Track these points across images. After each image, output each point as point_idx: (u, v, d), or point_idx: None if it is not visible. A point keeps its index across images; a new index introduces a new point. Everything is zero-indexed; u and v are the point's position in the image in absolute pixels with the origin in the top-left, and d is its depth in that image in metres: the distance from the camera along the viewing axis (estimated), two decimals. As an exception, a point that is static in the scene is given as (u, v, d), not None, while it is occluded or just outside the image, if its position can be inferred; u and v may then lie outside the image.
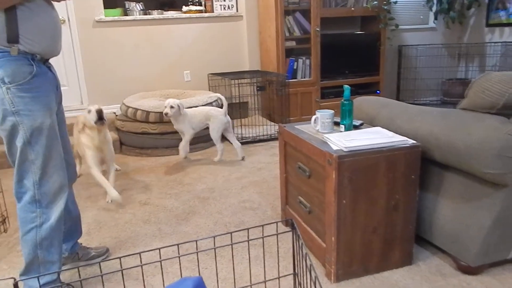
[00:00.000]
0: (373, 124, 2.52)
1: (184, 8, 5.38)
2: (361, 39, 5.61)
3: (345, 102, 2.24)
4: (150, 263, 1.36)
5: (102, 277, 1.42)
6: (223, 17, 5.45)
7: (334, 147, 2.00)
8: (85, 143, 3.09)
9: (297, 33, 5.29)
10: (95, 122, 3.00)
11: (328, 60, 5.39)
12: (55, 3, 1.89)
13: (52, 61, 1.97)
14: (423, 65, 6.39)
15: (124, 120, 4.51)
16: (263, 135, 4.76)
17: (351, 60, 5.61)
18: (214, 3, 5.40)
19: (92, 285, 2.14)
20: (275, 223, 2.68)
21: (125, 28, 5.07)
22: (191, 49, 5.41)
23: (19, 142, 1.79)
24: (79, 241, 2.37)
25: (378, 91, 5.71)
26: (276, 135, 4.81)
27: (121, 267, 1.45)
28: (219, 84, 5.27)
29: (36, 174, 1.84)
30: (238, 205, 3.06)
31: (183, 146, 3.96)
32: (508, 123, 1.87)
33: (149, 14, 5.23)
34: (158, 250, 2.44)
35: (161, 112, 3.84)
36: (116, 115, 4.78)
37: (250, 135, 4.73)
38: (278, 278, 1.88)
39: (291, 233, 2.37)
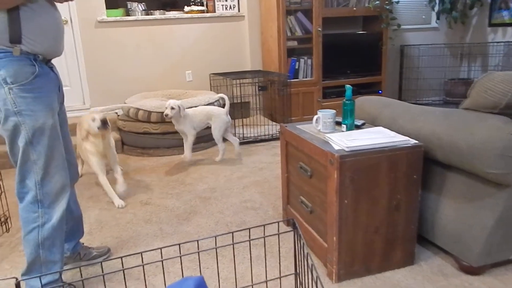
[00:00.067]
0: (375, 124, 2.52)
1: (186, 8, 5.38)
2: (363, 39, 5.61)
3: (347, 102, 2.24)
4: (151, 262, 1.37)
5: (103, 276, 1.42)
6: (225, 17, 5.45)
7: (336, 147, 2.00)
8: (89, 150, 3.14)
9: (299, 33, 5.28)
10: (99, 128, 3.02)
11: (330, 60, 5.38)
12: (57, 4, 1.89)
13: (54, 61, 1.97)
14: (425, 65, 6.38)
15: (125, 120, 4.52)
16: (265, 135, 4.76)
17: (353, 60, 5.60)
18: (216, 3, 5.40)
19: (93, 285, 2.14)
20: (277, 223, 2.68)
21: (127, 28, 5.08)
22: (193, 49, 5.41)
23: (21, 142, 1.80)
24: (81, 241, 2.38)
25: (380, 91, 5.70)
26: (278, 135, 4.80)
27: (123, 267, 1.45)
28: (221, 84, 5.27)
29: (38, 174, 1.84)
30: (239, 205, 3.06)
31: (189, 149, 3.96)
32: (510, 123, 1.86)
33: (151, 14, 5.23)
34: (159, 250, 2.44)
35: (163, 112, 3.83)
36: (118, 115, 4.78)
37: (252, 135, 4.73)
38: (280, 278, 1.88)
39: (292, 233, 2.37)
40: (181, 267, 1.58)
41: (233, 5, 5.46)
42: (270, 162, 4.00)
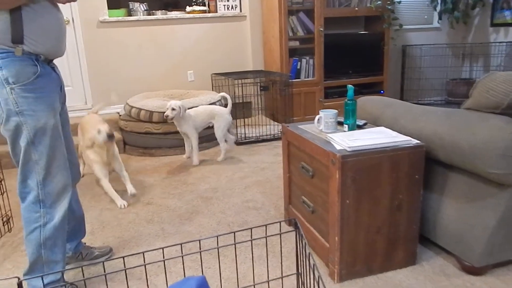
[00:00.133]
0: (376, 124, 2.51)
1: (188, 8, 5.39)
2: (364, 39, 5.61)
3: (348, 102, 2.24)
4: (153, 262, 1.37)
5: (105, 276, 1.42)
6: (227, 17, 5.46)
7: (338, 147, 1.99)
8: (93, 158, 3.18)
9: (300, 33, 5.28)
10: (105, 141, 3.06)
11: (331, 60, 5.38)
12: (60, 4, 1.89)
13: (56, 61, 1.98)
14: (427, 65, 6.37)
15: (127, 120, 4.52)
16: (267, 135, 4.76)
17: (355, 60, 5.60)
18: (218, 3, 5.40)
19: (95, 285, 2.14)
20: (278, 223, 2.68)
21: (129, 28, 5.08)
22: (195, 49, 5.42)
23: (22, 142, 1.80)
24: (83, 240, 2.38)
25: (382, 91, 5.70)
26: (280, 135, 4.80)
27: (125, 267, 1.45)
28: (223, 84, 5.27)
29: (40, 174, 1.84)
30: (241, 204, 3.06)
31: (196, 154, 3.97)
32: (512, 122, 1.86)
33: (153, 15, 5.24)
34: (161, 250, 2.44)
35: (164, 113, 3.84)
36: (120, 115, 4.79)
37: (254, 135, 4.73)
38: (281, 277, 1.88)
39: (294, 232, 2.37)
40: (183, 267, 1.58)
41: (235, 5, 5.46)
42: (272, 162, 4.00)
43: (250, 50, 5.63)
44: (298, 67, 5.30)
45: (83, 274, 1.73)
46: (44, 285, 1.90)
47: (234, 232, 1.51)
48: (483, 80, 2.02)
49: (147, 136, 4.42)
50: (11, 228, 2.84)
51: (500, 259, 2.04)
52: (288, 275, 1.83)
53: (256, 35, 5.58)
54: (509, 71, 1.96)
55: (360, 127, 2.36)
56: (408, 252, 2.14)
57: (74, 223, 2.24)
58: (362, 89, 5.50)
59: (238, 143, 4.67)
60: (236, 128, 4.88)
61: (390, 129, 2.33)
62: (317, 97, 5.38)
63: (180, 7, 5.80)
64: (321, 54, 5.27)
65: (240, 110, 5.20)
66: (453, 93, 6.12)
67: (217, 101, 4.62)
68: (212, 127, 4.15)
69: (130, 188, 3.20)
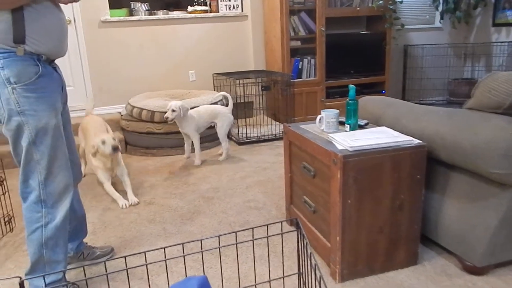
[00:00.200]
0: (378, 124, 2.51)
1: (189, 8, 5.39)
2: (366, 38, 5.60)
3: (350, 101, 2.24)
4: (155, 262, 1.37)
5: (107, 276, 1.42)
6: (228, 17, 5.45)
7: (339, 147, 1.99)
8: (97, 165, 3.25)
9: (302, 33, 5.28)
10: (110, 154, 3.13)
11: (333, 60, 5.38)
12: (61, 5, 1.90)
13: (58, 61, 1.98)
14: (429, 65, 6.37)
15: (129, 120, 4.52)
16: (268, 135, 4.76)
17: (357, 60, 5.59)
18: (219, 3, 5.40)
19: (97, 284, 2.15)
20: (280, 223, 2.68)
21: (131, 28, 5.09)
22: (196, 49, 5.42)
23: (24, 142, 1.80)
24: (84, 240, 2.38)
25: (383, 91, 5.69)
26: (281, 134, 4.80)
27: (126, 266, 1.46)
28: (224, 84, 5.27)
29: (42, 174, 1.84)
30: (242, 204, 3.06)
31: (197, 151, 3.98)
32: (514, 122, 1.86)
33: (155, 14, 5.24)
34: (163, 250, 2.44)
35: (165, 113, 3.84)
36: (122, 115, 4.79)
37: (255, 135, 4.73)
38: (283, 277, 1.87)
39: (295, 232, 2.37)
40: (185, 266, 1.58)
41: (237, 5, 5.46)
42: (274, 162, 4.00)
43: (251, 50, 5.63)
44: (300, 67, 5.29)
45: (84, 274, 1.73)
46: (45, 285, 1.90)
47: (236, 232, 1.51)
48: (485, 80, 2.02)
49: (148, 136, 4.42)
50: (12, 228, 2.85)
51: (502, 259, 2.04)
52: (289, 275, 1.83)
53: (258, 35, 5.58)
54: (511, 71, 1.95)
55: (361, 127, 2.36)
56: (409, 252, 2.14)
57: (76, 223, 2.24)
58: (364, 89, 5.50)
59: (239, 143, 4.67)
60: (238, 128, 4.89)
61: (392, 129, 2.33)
62: (318, 97, 5.38)
63: (181, 7, 5.80)
64: (322, 54, 5.27)
65: (242, 110, 5.19)
66: (455, 93, 6.11)
67: (219, 100, 4.62)
68: (213, 127, 4.16)
69: (131, 198, 3.20)
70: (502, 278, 2.04)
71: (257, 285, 2.06)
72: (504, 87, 1.92)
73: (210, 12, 5.44)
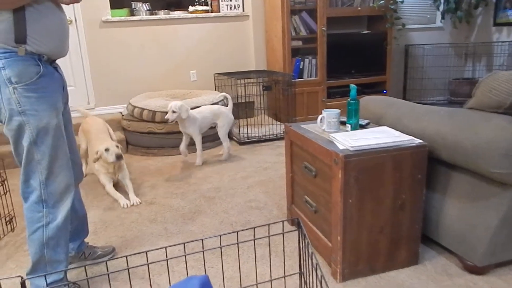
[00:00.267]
0: (379, 124, 2.51)
1: (191, 8, 5.39)
2: (367, 38, 5.60)
3: (351, 101, 2.24)
4: (156, 261, 1.37)
5: (108, 275, 1.42)
6: (229, 17, 5.46)
7: (341, 147, 1.99)
8: (100, 169, 3.30)
9: (303, 32, 5.28)
10: (113, 162, 3.19)
11: (334, 59, 5.38)
12: (63, 5, 1.90)
13: (59, 61, 1.98)
14: (430, 64, 6.36)
15: (130, 120, 4.53)
16: (269, 135, 4.76)
17: (358, 60, 5.59)
18: (221, 3, 5.40)
19: (98, 284, 2.15)
20: (281, 222, 2.68)
21: (132, 28, 5.09)
22: (197, 49, 5.42)
23: (25, 142, 1.80)
24: (86, 240, 2.38)
25: (384, 91, 5.69)
26: (282, 134, 4.80)
27: (128, 266, 1.46)
28: (225, 83, 5.27)
29: (43, 174, 1.85)
30: (244, 204, 3.06)
31: (199, 152, 3.98)
32: (515, 122, 1.86)
33: (156, 14, 5.24)
34: (164, 249, 2.44)
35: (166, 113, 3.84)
36: (123, 115, 4.79)
37: (256, 135, 4.73)
38: (284, 277, 1.88)
39: (297, 232, 2.37)
40: (186, 266, 1.59)
41: (238, 5, 5.46)
42: (275, 161, 4.00)
43: (252, 50, 5.63)
44: (301, 66, 5.29)
45: (86, 274, 1.73)
46: (47, 285, 1.90)
47: (237, 232, 1.51)
48: (486, 79, 2.02)
49: (149, 136, 4.42)
50: (14, 228, 2.85)
51: (502, 258, 2.04)
52: (290, 274, 1.83)
53: (259, 35, 5.58)
54: (512, 71, 1.95)
55: (362, 126, 2.36)
56: (410, 251, 2.14)
57: (77, 223, 2.25)
58: (365, 89, 5.50)
59: (241, 142, 4.67)
60: (239, 127, 4.89)
61: (393, 128, 2.33)
62: (319, 97, 5.37)
63: (182, 7, 5.80)
64: (323, 53, 5.27)
65: (243, 110, 5.19)
66: (456, 93, 6.10)
67: (220, 101, 4.62)
68: (214, 127, 4.16)
69: (133, 198, 3.21)
70: (503, 278, 2.04)
71: (258, 285, 2.06)
72: (505, 86, 1.92)
73: (211, 12, 5.44)
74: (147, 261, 1.47)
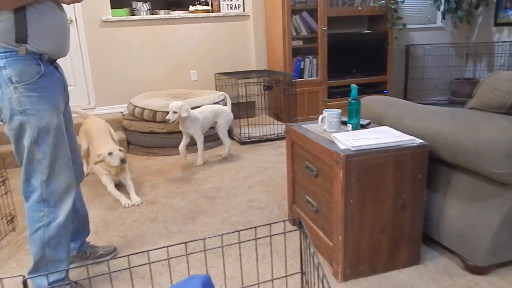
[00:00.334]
0: (380, 124, 2.51)
1: (191, 8, 5.39)
2: (368, 38, 5.60)
3: (352, 101, 2.24)
4: (157, 261, 1.37)
5: (110, 275, 1.43)
6: (230, 16, 5.46)
7: (342, 147, 1.99)
8: (102, 171, 3.32)
9: (304, 32, 5.28)
10: (117, 165, 3.21)
11: (335, 59, 5.37)
12: (64, 5, 1.90)
13: (59, 61, 1.98)
14: (430, 64, 6.36)
15: (131, 119, 4.53)
16: (270, 135, 4.76)
17: (358, 60, 5.59)
18: (221, 2, 5.40)
19: (100, 283, 2.15)
20: (283, 222, 2.68)
21: (132, 28, 5.09)
22: (198, 48, 5.42)
23: (26, 142, 1.80)
24: (87, 240, 2.39)
25: (385, 91, 5.69)
26: (283, 134, 4.81)
27: (129, 265, 1.46)
28: (226, 83, 5.28)
29: (44, 173, 1.85)
30: (245, 204, 3.06)
31: (200, 151, 3.98)
32: (517, 122, 1.86)
33: (156, 14, 5.24)
34: (165, 249, 2.44)
35: (168, 112, 3.83)
36: (123, 115, 4.79)
37: (257, 135, 4.73)
38: (286, 276, 1.88)
39: (298, 232, 2.37)
40: (187, 266, 1.59)
41: (238, 4, 5.46)
42: (276, 161, 4.01)
43: (253, 50, 5.63)
44: (302, 66, 5.29)
45: (88, 273, 1.73)
46: (48, 284, 1.90)
47: (239, 231, 1.51)
48: (487, 79, 2.01)
49: (150, 135, 4.43)
50: (15, 227, 2.85)
51: (504, 258, 2.04)
52: (292, 274, 1.83)
53: (259, 35, 5.58)
54: (514, 71, 1.95)
55: (363, 126, 2.36)
56: (411, 251, 2.14)
57: (78, 222, 2.25)
58: (366, 89, 5.50)
59: (242, 142, 4.67)
60: (240, 127, 4.89)
61: (394, 128, 2.33)
62: (320, 97, 5.37)
63: (183, 6, 5.80)
64: (324, 53, 5.27)
65: (244, 109, 5.19)
66: (457, 93, 6.10)
67: (221, 100, 4.62)
68: (213, 127, 4.17)
69: (134, 198, 3.21)
70: (505, 278, 2.04)
71: (259, 284, 2.06)
72: (506, 86, 1.92)
73: (212, 12, 5.44)
74: (149, 260, 1.48)
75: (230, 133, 4.24)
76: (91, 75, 5.04)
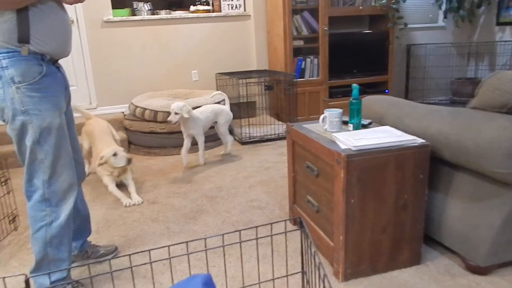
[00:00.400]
0: (381, 123, 2.51)
1: (192, 8, 5.39)
2: (369, 38, 5.59)
3: (353, 101, 2.24)
4: (159, 260, 1.37)
5: (111, 274, 1.43)
6: (231, 16, 5.46)
7: (343, 146, 1.99)
8: (104, 172, 3.33)
9: (305, 32, 5.28)
10: (122, 166, 3.23)
11: (336, 59, 5.37)
12: (66, 5, 1.90)
13: (60, 61, 1.98)
14: (432, 64, 6.35)
15: (132, 119, 4.53)
16: (271, 135, 4.76)
17: (360, 59, 5.59)
18: (222, 2, 5.40)
19: (101, 283, 2.15)
20: (283, 222, 2.68)
21: (133, 28, 5.09)
22: (199, 48, 5.42)
23: (28, 142, 1.81)
24: (88, 239, 2.39)
25: (386, 91, 5.68)
26: (284, 134, 4.80)
27: (131, 265, 1.46)
28: (227, 83, 5.28)
29: (46, 173, 1.85)
30: (246, 204, 3.06)
31: (201, 151, 3.98)
32: (518, 122, 1.86)
33: (157, 14, 5.25)
34: (167, 248, 2.45)
35: (169, 112, 3.84)
36: (124, 115, 4.80)
37: (258, 135, 4.73)
38: (287, 276, 1.88)
39: (299, 232, 2.37)
40: (189, 265, 1.59)
41: (239, 4, 5.47)
42: (277, 161, 4.01)
43: (254, 50, 5.63)
44: (303, 66, 5.29)
45: (89, 272, 1.73)
46: (50, 283, 1.91)
47: (240, 231, 1.51)
48: (488, 79, 2.01)
49: (151, 135, 4.43)
50: (17, 227, 2.86)
51: (505, 258, 2.04)
52: (293, 274, 1.84)
53: (260, 35, 5.58)
54: (515, 70, 1.95)
55: (365, 126, 2.36)
56: (413, 251, 2.14)
57: (80, 222, 2.25)
58: (367, 89, 5.49)
59: (242, 142, 4.67)
60: (241, 127, 4.89)
61: (395, 128, 2.33)
62: (321, 97, 5.37)
63: (184, 6, 5.80)
64: (325, 53, 5.26)
65: (245, 109, 5.19)
66: (458, 93, 6.09)
67: (221, 100, 4.62)
68: (213, 127, 4.17)
69: (135, 197, 3.22)
70: (506, 278, 2.04)
71: (260, 284, 2.06)
72: (508, 86, 1.92)
73: (213, 12, 5.45)
74: (150, 260, 1.48)
75: (230, 132, 4.25)
76: (92, 75, 5.05)
